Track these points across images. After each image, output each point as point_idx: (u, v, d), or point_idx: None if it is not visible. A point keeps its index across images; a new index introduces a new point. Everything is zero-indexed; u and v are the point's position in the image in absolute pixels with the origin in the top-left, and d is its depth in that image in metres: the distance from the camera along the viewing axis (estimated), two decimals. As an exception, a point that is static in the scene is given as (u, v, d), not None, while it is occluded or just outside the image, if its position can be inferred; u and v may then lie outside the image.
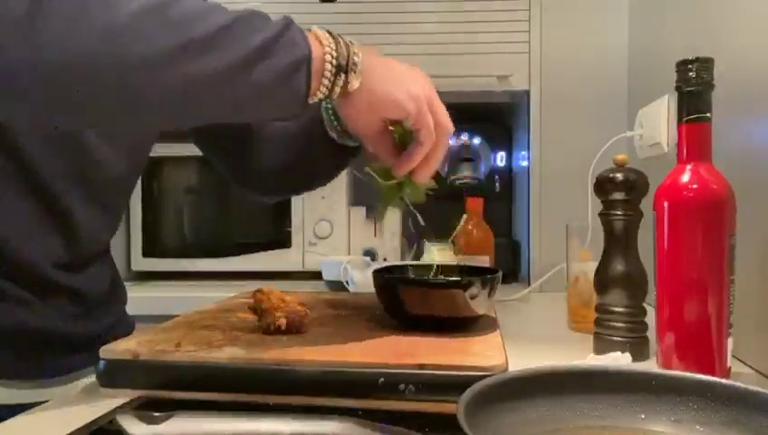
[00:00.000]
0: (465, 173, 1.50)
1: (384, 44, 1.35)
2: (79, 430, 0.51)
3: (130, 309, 0.94)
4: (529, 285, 1.30)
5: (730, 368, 0.63)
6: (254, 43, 0.53)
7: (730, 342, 0.62)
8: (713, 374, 0.48)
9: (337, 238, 1.46)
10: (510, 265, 1.43)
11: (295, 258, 1.47)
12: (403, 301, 0.74)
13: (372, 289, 0.78)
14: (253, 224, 1.55)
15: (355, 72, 0.59)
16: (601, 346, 0.74)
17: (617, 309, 0.73)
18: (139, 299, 1.30)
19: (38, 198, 0.68)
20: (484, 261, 1.15)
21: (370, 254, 1.46)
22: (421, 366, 0.58)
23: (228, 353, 0.62)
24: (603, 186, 0.74)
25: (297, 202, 1.47)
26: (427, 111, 0.63)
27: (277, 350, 0.63)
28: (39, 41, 0.47)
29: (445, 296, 0.72)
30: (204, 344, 0.64)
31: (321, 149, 0.81)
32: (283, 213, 1.48)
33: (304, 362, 0.60)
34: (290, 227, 1.47)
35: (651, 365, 0.69)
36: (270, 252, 1.48)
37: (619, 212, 0.73)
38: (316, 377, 0.59)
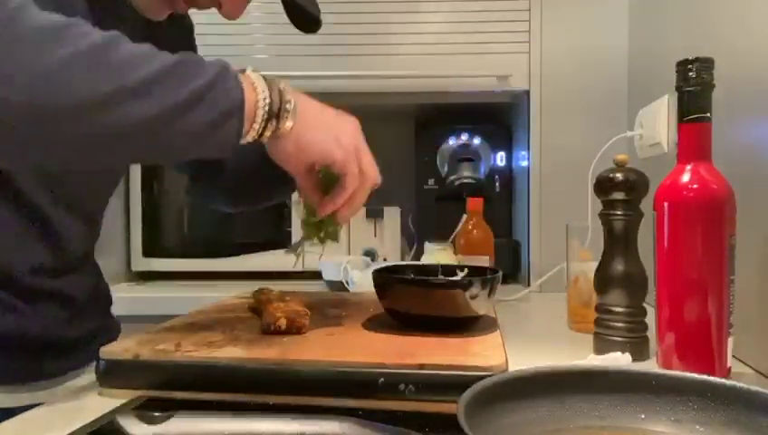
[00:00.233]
0: (465, 173, 1.50)
1: (384, 44, 1.36)
2: (79, 429, 0.51)
3: (131, 309, 0.95)
4: (529, 285, 1.30)
5: (730, 368, 0.63)
6: (186, 91, 0.54)
7: (730, 342, 0.62)
8: (713, 374, 0.48)
9: (337, 238, 1.46)
10: (510, 266, 1.43)
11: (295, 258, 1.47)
12: (403, 301, 0.74)
13: (372, 289, 0.78)
14: (253, 224, 1.55)
15: (286, 119, 0.61)
16: (601, 346, 0.74)
17: (617, 309, 0.73)
18: (139, 299, 1.30)
19: (19, 209, 0.68)
20: (484, 261, 1.15)
21: (370, 254, 1.46)
22: (421, 366, 0.58)
23: (228, 353, 0.62)
24: (603, 186, 0.74)
25: (297, 202, 1.46)
26: (353, 159, 0.65)
27: (277, 350, 0.63)
28: None
29: (445, 296, 0.72)
30: (204, 344, 0.64)
31: (272, 172, 0.83)
32: (283, 213, 1.48)
33: (304, 362, 0.60)
34: (290, 227, 1.47)
35: (651, 365, 0.69)
36: (270, 252, 1.48)
37: (619, 212, 0.73)
38: (316, 377, 0.59)
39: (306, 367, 0.59)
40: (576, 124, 1.33)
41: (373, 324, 0.76)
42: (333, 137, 0.64)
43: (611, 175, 0.74)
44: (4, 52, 0.47)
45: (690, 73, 0.62)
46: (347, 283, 1.23)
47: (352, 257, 1.34)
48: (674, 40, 1.04)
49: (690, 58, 0.62)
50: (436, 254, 1.17)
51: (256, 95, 0.59)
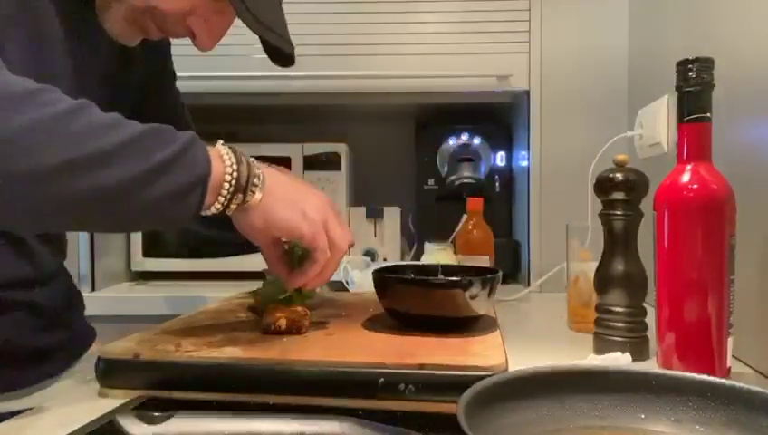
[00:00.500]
0: (465, 173, 1.50)
1: (384, 44, 1.35)
2: (79, 429, 0.51)
3: (131, 309, 0.95)
4: (529, 285, 1.30)
5: (730, 368, 0.63)
6: (149, 162, 0.54)
7: (730, 342, 0.62)
8: (713, 374, 0.48)
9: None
10: (510, 266, 1.43)
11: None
12: (403, 301, 0.74)
13: (372, 289, 0.78)
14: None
15: (254, 193, 0.61)
16: (601, 346, 0.74)
17: (617, 309, 0.73)
18: (139, 299, 1.30)
19: None
20: (484, 261, 1.15)
21: (370, 254, 1.46)
22: (421, 366, 0.58)
23: (228, 353, 0.62)
24: (603, 186, 0.74)
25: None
26: (321, 233, 0.65)
27: (277, 350, 0.63)
28: None
29: (445, 296, 0.72)
30: (204, 344, 0.64)
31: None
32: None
33: (304, 362, 0.60)
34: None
35: (651, 365, 0.69)
36: (270, 252, 1.48)
37: (619, 212, 0.73)
38: (316, 377, 0.59)
39: (306, 367, 0.59)
40: (576, 124, 1.33)
41: (373, 324, 0.76)
42: (300, 211, 0.64)
43: (611, 175, 0.74)
44: None
45: (690, 73, 0.62)
46: (347, 283, 1.23)
47: (352, 257, 1.34)
48: (674, 40, 1.04)
49: (690, 58, 0.62)
50: (436, 254, 1.17)
51: (224, 168, 0.59)
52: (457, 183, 1.49)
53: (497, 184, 1.56)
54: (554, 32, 1.34)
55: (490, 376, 0.47)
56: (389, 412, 0.55)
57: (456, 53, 1.35)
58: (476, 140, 1.55)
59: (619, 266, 0.73)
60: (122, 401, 0.58)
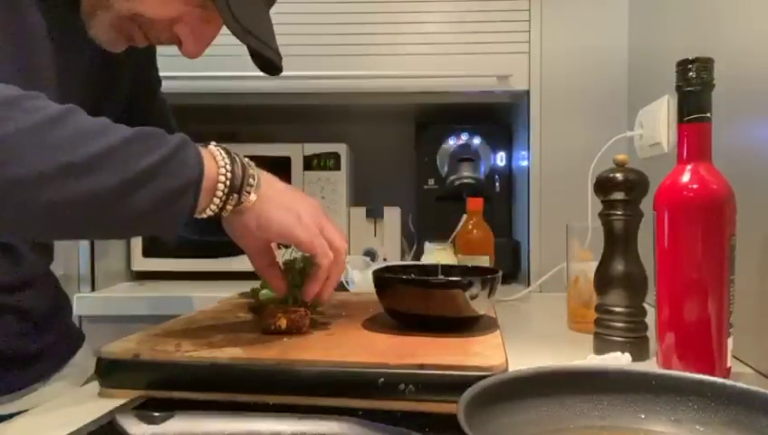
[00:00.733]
0: (465, 173, 1.50)
1: (384, 44, 1.35)
2: (79, 429, 0.51)
3: (131, 309, 0.95)
4: (529, 285, 1.30)
5: (730, 368, 0.63)
6: (138, 167, 0.53)
7: (730, 342, 0.62)
8: (713, 374, 0.48)
9: (337, 238, 1.46)
10: (510, 265, 1.43)
11: (295, 258, 1.47)
12: (403, 301, 0.74)
13: (372, 289, 0.78)
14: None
15: (249, 193, 0.60)
16: (601, 346, 0.74)
17: (617, 309, 0.73)
18: (139, 299, 1.30)
19: None
20: (484, 261, 1.15)
21: (370, 254, 1.46)
22: (421, 366, 0.58)
23: (228, 353, 0.62)
24: (603, 186, 0.74)
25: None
26: (319, 237, 0.65)
27: (277, 350, 0.63)
28: None
29: (445, 296, 0.72)
30: (204, 344, 0.64)
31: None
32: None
33: (304, 362, 0.60)
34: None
35: (651, 365, 0.69)
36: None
37: (619, 212, 0.73)
38: (316, 377, 0.59)
39: (306, 367, 0.59)
40: (576, 124, 1.33)
41: (373, 324, 0.76)
42: (295, 215, 0.64)
43: (611, 175, 0.74)
44: None
45: (690, 73, 0.62)
46: (347, 283, 1.23)
47: (352, 257, 1.34)
48: (674, 40, 1.04)
49: (690, 58, 0.62)
50: (436, 254, 1.17)
51: (218, 168, 0.58)
52: (457, 183, 1.48)
53: (497, 184, 1.56)
54: (554, 32, 1.34)
55: (490, 376, 0.47)
56: (389, 412, 0.55)
57: (456, 52, 1.35)
58: (476, 140, 1.55)
59: (618, 266, 0.73)
60: (122, 401, 0.58)
